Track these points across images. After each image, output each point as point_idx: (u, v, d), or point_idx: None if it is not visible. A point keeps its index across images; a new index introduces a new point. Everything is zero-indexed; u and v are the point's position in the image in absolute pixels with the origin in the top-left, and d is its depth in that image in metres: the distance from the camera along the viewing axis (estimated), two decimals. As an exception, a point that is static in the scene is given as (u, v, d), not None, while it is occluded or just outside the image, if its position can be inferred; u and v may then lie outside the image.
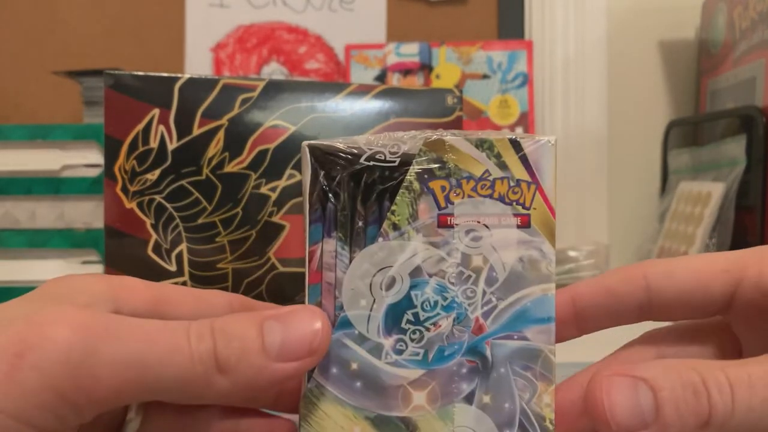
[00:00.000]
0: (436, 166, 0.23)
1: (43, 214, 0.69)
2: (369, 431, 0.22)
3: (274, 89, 0.40)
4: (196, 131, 0.39)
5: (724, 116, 0.79)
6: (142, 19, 0.97)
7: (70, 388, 0.19)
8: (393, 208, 0.22)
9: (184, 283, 0.38)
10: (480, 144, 0.23)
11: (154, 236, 0.38)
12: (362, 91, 0.42)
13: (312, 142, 0.23)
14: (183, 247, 0.39)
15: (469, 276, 0.23)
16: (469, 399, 0.23)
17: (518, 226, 0.23)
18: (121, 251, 0.38)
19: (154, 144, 0.39)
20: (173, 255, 0.39)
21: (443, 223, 0.23)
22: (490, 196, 0.23)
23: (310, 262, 0.23)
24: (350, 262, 0.23)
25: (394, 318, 0.22)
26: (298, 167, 0.39)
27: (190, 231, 0.39)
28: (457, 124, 0.44)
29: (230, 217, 0.39)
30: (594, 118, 0.94)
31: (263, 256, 0.40)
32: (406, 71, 0.89)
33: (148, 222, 0.38)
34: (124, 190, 0.38)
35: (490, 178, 0.23)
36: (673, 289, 0.24)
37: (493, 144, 0.23)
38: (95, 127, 0.69)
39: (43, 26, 0.97)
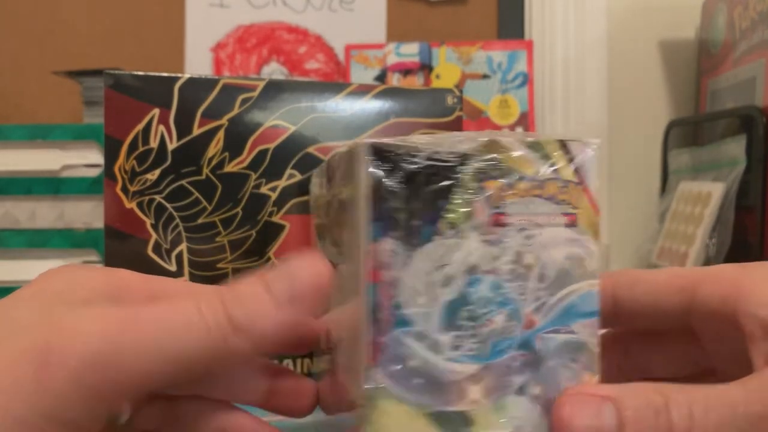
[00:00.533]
0: (491, 166, 0.23)
1: (43, 214, 0.69)
2: (428, 426, 0.23)
3: (274, 89, 0.39)
4: (196, 131, 0.39)
5: (724, 116, 0.79)
6: (142, 19, 0.97)
7: (98, 382, 0.20)
8: (449, 207, 0.23)
9: None
10: (532, 146, 0.24)
11: (154, 236, 0.38)
12: (362, 91, 0.42)
13: (369, 140, 0.23)
14: (183, 247, 0.39)
15: (522, 273, 0.24)
16: (521, 391, 0.24)
17: (566, 225, 0.24)
18: (121, 251, 0.38)
19: (154, 144, 0.38)
20: (173, 255, 0.39)
21: (497, 221, 0.23)
22: (541, 196, 0.24)
23: (367, 260, 0.23)
24: (408, 260, 0.23)
25: (450, 315, 0.23)
26: (298, 167, 0.39)
27: (190, 231, 0.39)
28: (456, 125, 0.44)
29: (230, 216, 0.39)
30: (594, 118, 0.94)
31: (263, 255, 0.39)
32: (406, 71, 0.89)
33: (148, 222, 0.38)
34: (124, 190, 0.38)
35: (541, 178, 0.24)
36: (632, 301, 0.26)
37: (544, 146, 0.24)
38: (95, 127, 0.69)
39: (43, 26, 0.97)
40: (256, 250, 0.39)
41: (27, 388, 0.19)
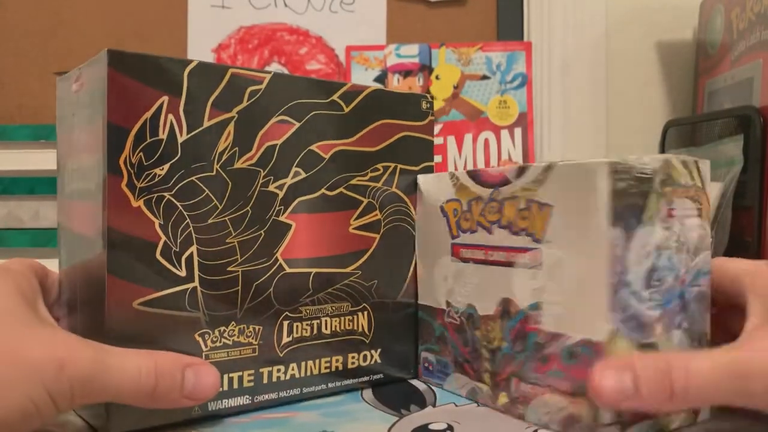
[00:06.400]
0: (668, 177, 0.34)
1: (46, 213, 0.69)
2: (636, 352, 0.33)
3: (280, 82, 0.39)
4: (207, 123, 0.36)
5: (721, 116, 0.79)
6: (144, 20, 0.97)
7: (79, 392, 0.29)
8: (647, 206, 0.33)
9: (193, 290, 0.36)
10: (684, 164, 0.35)
11: (163, 238, 0.35)
12: (356, 90, 0.42)
13: (606, 160, 0.32)
14: (193, 249, 0.36)
15: (680, 248, 0.34)
16: (679, 326, 0.35)
17: (697, 216, 0.35)
18: (128, 257, 0.33)
19: (163, 135, 0.35)
20: (183, 259, 0.35)
21: (669, 214, 0.34)
22: (687, 197, 0.35)
23: (606, 244, 0.33)
24: (627, 242, 0.33)
25: (648, 277, 0.33)
26: (302, 165, 0.39)
27: (200, 232, 0.36)
28: (429, 129, 0.45)
29: (240, 216, 0.37)
30: (592, 119, 0.95)
31: (271, 257, 0.38)
32: (406, 72, 0.90)
33: (157, 222, 0.34)
34: (131, 186, 0.33)
35: (689, 185, 0.35)
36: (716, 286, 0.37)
37: (689, 163, 0.35)
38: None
39: (46, 27, 0.97)
40: (265, 251, 0.38)
41: (48, 377, 0.28)
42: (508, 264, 0.37)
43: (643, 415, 0.33)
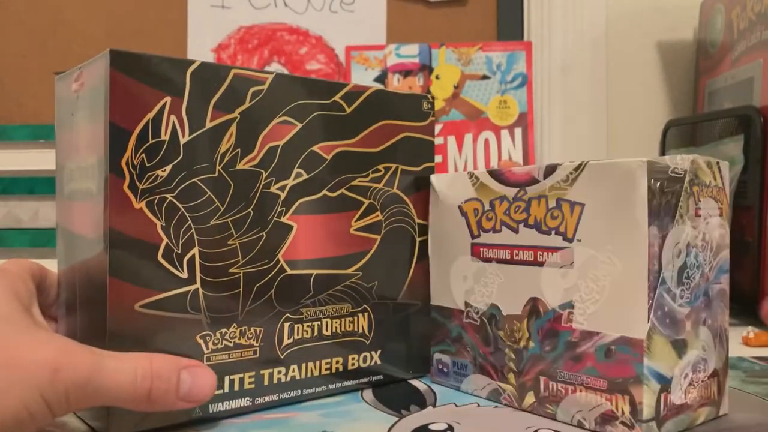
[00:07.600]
0: (695, 178, 0.35)
1: (45, 213, 0.69)
2: (671, 350, 0.34)
3: (282, 82, 0.39)
4: (209, 124, 0.36)
5: (722, 116, 0.79)
6: (144, 20, 0.97)
7: (74, 396, 0.30)
8: (679, 205, 0.34)
9: (195, 291, 0.36)
10: (709, 165, 0.36)
11: (165, 240, 0.34)
12: (358, 91, 0.42)
13: (646, 159, 0.34)
14: (195, 251, 0.35)
15: (704, 246, 0.36)
16: (704, 323, 0.36)
17: (719, 215, 0.37)
18: (129, 259, 0.33)
19: (165, 136, 0.34)
20: (185, 260, 0.35)
21: (696, 213, 0.35)
22: (711, 197, 0.37)
23: (645, 241, 0.34)
24: (662, 240, 0.34)
25: (680, 275, 0.35)
26: (304, 166, 0.39)
27: (202, 234, 0.36)
28: (430, 129, 0.45)
29: (242, 217, 0.37)
30: (592, 119, 0.95)
31: (273, 258, 0.38)
32: (406, 72, 0.89)
33: (159, 224, 0.34)
34: (133, 187, 0.33)
35: (712, 185, 0.37)
36: None
37: (713, 163, 0.37)
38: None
39: (45, 27, 0.97)
40: (267, 253, 0.38)
41: (43, 382, 0.28)
42: (537, 263, 0.38)
43: (677, 410, 0.34)
